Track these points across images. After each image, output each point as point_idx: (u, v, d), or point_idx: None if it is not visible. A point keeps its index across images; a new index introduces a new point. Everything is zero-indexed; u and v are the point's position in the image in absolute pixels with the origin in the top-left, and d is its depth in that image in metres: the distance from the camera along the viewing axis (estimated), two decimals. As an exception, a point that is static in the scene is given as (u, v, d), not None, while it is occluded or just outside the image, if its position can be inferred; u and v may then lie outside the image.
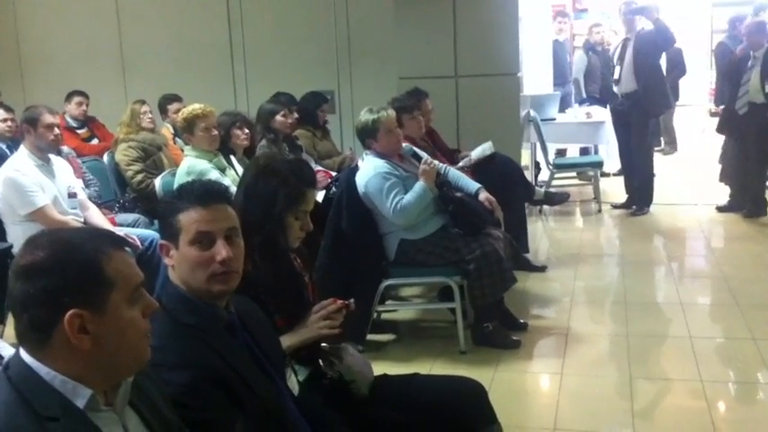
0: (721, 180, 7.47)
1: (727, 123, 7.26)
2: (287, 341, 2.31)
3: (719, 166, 7.55)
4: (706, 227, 6.91)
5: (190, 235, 1.86)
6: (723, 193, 7.30)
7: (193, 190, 1.94)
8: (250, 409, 1.78)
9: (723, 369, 3.99)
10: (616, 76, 7.02)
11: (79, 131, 6.79)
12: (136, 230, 4.70)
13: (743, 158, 7.01)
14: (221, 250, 1.87)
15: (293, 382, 2.25)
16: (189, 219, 1.87)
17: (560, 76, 9.14)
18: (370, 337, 4.27)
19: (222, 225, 1.90)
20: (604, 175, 8.16)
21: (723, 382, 3.80)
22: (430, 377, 2.84)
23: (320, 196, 4.74)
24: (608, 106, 7.45)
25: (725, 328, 4.57)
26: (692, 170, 8.50)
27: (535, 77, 8.54)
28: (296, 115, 5.62)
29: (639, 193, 7.08)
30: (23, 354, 1.36)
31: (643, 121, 7.01)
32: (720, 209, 7.13)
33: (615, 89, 7.09)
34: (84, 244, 1.38)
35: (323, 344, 2.49)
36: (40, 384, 1.33)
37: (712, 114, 10.09)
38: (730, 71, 7.33)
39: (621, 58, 6.97)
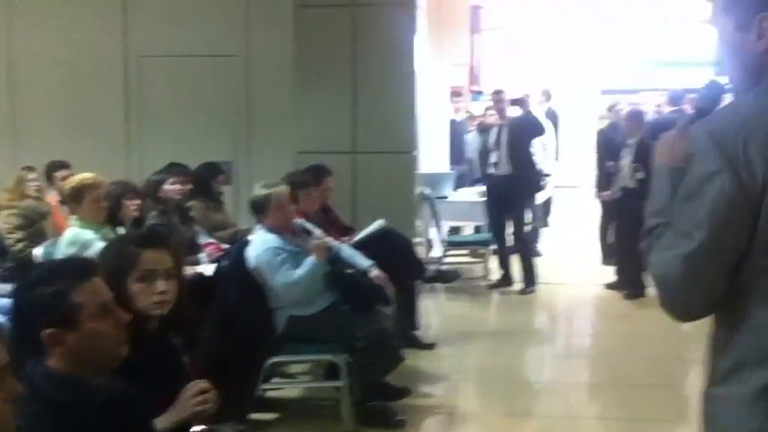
0: (604, 262, 7.79)
1: (604, 206, 7.63)
2: (161, 422, 2.25)
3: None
4: (590, 306, 7.15)
5: (92, 309, 1.87)
6: (609, 272, 7.58)
7: (72, 267, 1.96)
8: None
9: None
10: (493, 159, 7.30)
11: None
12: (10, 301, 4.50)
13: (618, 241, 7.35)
14: (123, 315, 1.96)
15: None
16: (86, 294, 1.87)
17: (457, 155, 9.40)
18: (253, 415, 4.18)
19: (108, 292, 1.95)
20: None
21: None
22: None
23: (210, 269, 4.69)
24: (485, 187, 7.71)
25: (603, 408, 4.71)
26: (579, 250, 8.80)
27: (431, 155, 8.75)
28: (189, 186, 5.57)
29: (524, 273, 7.29)
30: None
31: (520, 202, 7.30)
32: (609, 286, 7.39)
33: (492, 171, 7.35)
34: None
35: (198, 426, 2.44)
36: None
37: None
38: (602, 156, 7.77)
39: (497, 142, 7.27)
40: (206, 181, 5.97)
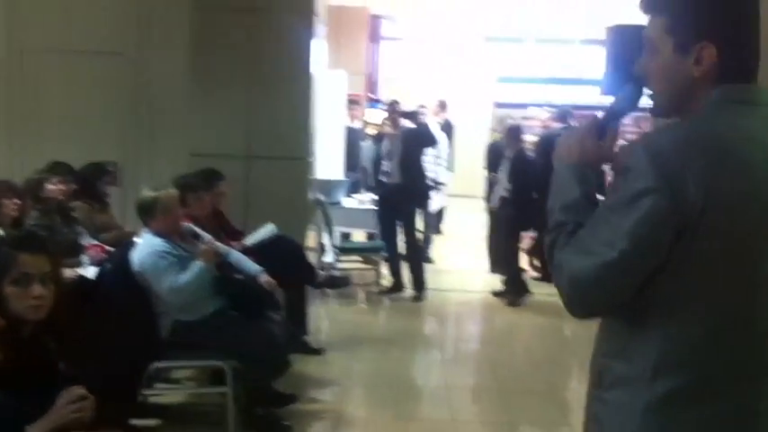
0: (492, 270, 8.00)
1: (491, 216, 7.94)
2: (36, 428, 2.21)
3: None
4: (478, 313, 7.33)
5: None
6: (497, 280, 7.79)
7: None
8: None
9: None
10: (385, 168, 7.41)
11: None
12: None
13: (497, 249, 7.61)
14: None
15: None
16: None
17: (352, 162, 9.46)
18: (135, 421, 4.09)
19: None
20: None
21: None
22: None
23: (93, 272, 4.57)
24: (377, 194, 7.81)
25: (487, 412, 4.83)
26: (469, 258, 8.99)
27: (326, 162, 8.77)
28: (73, 186, 5.41)
29: (415, 280, 7.41)
30: None
31: (411, 211, 7.43)
32: (496, 294, 7.59)
33: (384, 179, 7.45)
34: None
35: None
36: None
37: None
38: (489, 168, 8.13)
39: (390, 152, 7.37)
40: (91, 182, 5.82)
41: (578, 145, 1.64)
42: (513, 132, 7.62)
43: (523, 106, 12.02)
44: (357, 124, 10.08)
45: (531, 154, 7.77)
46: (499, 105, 11.84)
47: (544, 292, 7.77)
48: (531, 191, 7.30)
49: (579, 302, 1.55)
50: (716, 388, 1.47)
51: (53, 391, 2.34)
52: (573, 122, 8.83)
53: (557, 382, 5.42)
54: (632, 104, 1.70)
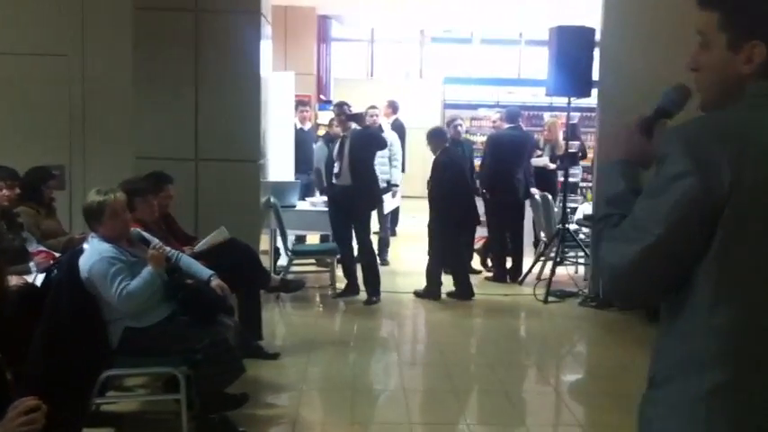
0: (446, 271, 8.02)
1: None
2: (-19, 443, 2.12)
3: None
4: (433, 315, 7.33)
5: None
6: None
7: None
8: None
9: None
10: (336, 169, 7.37)
11: None
12: None
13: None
14: None
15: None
16: None
17: (304, 164, 9.40)
18: (87, 431, 3.99)
19: None
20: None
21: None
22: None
23: (40, 279, 4.45)
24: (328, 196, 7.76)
25: (442, 414, 4.81)
26: (425, 260, 8.99)
27: (277, 164, 8.71)
28: (17, 190, 5.26)
29: (369, 283, 7.38)
30: None
31: (363, 213, 7.41)
32: (450, 294, 7.64)
33: (335, 181, 7.42)
34: None
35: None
36: None
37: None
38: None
39: (340, 153, 7.35)
40: (36, 185, 5.66)
41: (626, 142, 1.72)
42: (437, 134, 7.75)
43: (473, 107, 12.08)
44: (308, 126, 10.03)
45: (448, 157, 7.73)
46: (449, 106, 11.86)
47: (499, 293, 7.83)
48: (451, 191, 7.46)
49: (619, 290, 1.61)
50: (763, 378, 1.47)
51: (1, 402, 2.25)
52: (522, 123, 8.93)
53: (512, 382, 5.44)
54: (680, 103, 1.75)
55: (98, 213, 4.06)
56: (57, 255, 5.07)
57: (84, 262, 3.99)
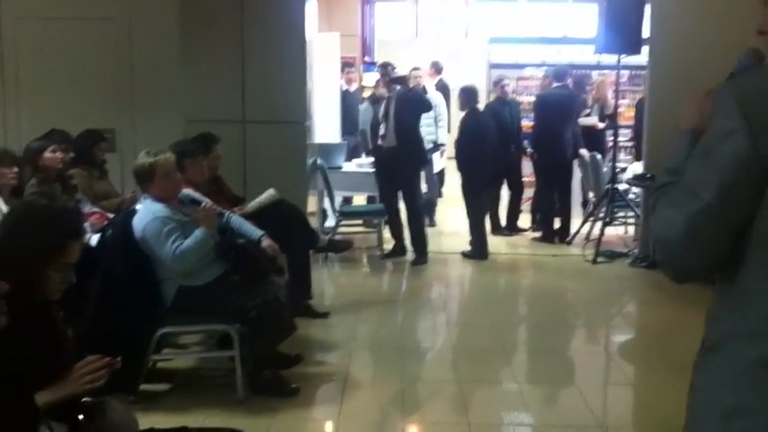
0: (493, 233, 8.04)
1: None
2: (45, 397, 2.17)
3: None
4: (480, 276, 7.32)
5: None
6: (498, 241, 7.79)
7: None
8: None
9: (492, 412, 4.18)
10: (381, 131, 7.35)
11: None
12: None
13: None
14: (1, 285, 1.85)
15: (49, 441, 2.11)
16: None
17: (350, 126, 9.39)
18: (143, 386, 4.08)
19: None
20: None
21: (493, 425, 3.99)
22: (199, 429, 2.77)
23: (95, 239, 4.53)
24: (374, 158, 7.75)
25: (492, 373, 4.83)
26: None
27: (324, 126, 8.71)
28: (71, 154, 5.34)
29: (416, 244, 7.39)
30: None
31: (409, 175, 7.38)
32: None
33: (380, 143, 7.40)
34: None
35: (86, 398, 2.36)
36: None
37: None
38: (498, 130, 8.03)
39: (386, 115, 7.31)
40: (87, 148, 5.75)
41: (696, 111, 1.62)
42: (463, 92, 7.71)
43: (520, 67, 11.90)
44: (353, 87, 9.99)
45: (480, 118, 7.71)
46: (494, 66, 11.69)
47: (548, 253, 7.78)
48: (480, 151, 7.48)
49: (669, 263, 1.50)
50: None
51: (62, 359, 2.31)
52: (570, 82, 8.79)
53: (562, 342, 5.42)
54: (752, 68, 1.68)
55: (149, 174, 4.11)
56: (110, 215, 5.17)
57: (138, 222, 4.05)
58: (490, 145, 7.68)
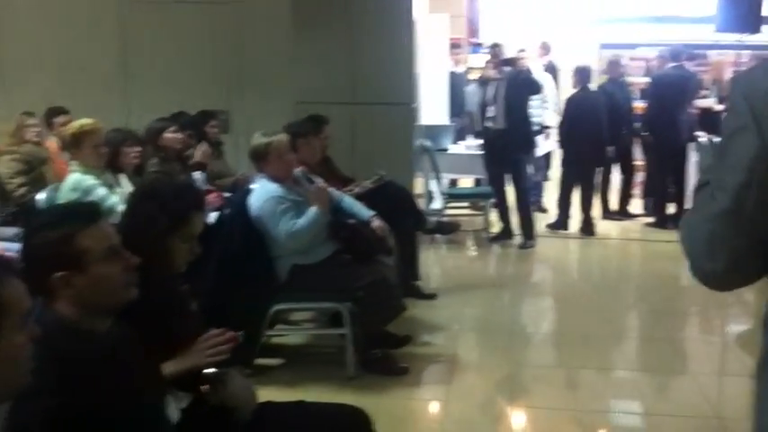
0: (604, 216, 7.86)
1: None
2: (170, 367, 2.25)
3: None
4: (589, 260, 7.18)
5: (100, 252, 1.85)
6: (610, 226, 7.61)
7: (78, 210, 1.93)
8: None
9: (602, 399, 4.11)
10: (490, 113, 7.27)
11: (-44, 141, 6.46)
12: (16, 245, 4.49)
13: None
14: (131, 258, 1.91)
15: (173, 410, 2.19)
16: (93, 238, 1.84)
17: (457, 108, 9.33)
18: (258, 361, 4.21)
19: (116, 236, 1.93)
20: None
21: (602, 412, 3.93)
22: (315, 404, 2.81)
23: (212, 217, 4.67)
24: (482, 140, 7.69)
25: (603, 359, 4.74)
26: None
27: (431, 108, 8.69)
28: (190, 133, 5.53)
29: (524, 227, 7.31)
30: None
31: (517, 157, 7.29)
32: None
33: (489, 124, 7.32)
34: None
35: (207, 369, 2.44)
36: None
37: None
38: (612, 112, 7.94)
39: (495, 97, 7.23)
40: (199, 127, 5.93)
41: None
42: (575, 72, 7.78)
43: (631, 47, 11.53)
44: (461, 69, 9.92)
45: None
46: (605, 46, 11.38)
47: (661, 239, 7.56)
48: (586, 131, 7.53)
49: (697, 269, 1.37)
50: None
51: (188, 331, 2.39)
52: (686, 62, 8.46)
53: (676, 329, 5.26)
54: None
55: (264, 154, 4.21)
56: (225, 194, 5.32)
57: (254, 201, 4.16)
58: (595, 125, 7.60)
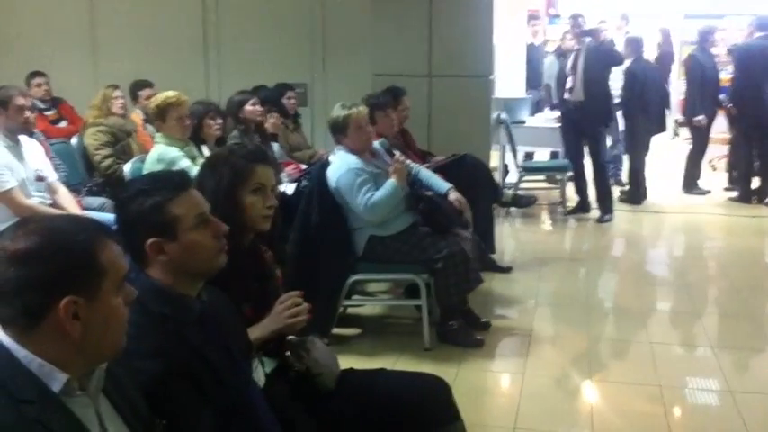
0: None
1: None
2: (255, 333, 2.31)
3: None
4: (669, 235, 7.04)
5: (191, 220, 1.89)
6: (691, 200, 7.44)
7: (168, 179, 1.96)
8: (219, 401, 1.79)
9: (680, 375, 4.05)
10: (569, 85, 7.15)
11: (47, 113, 6.70)
12: (103, 215, 4.66)
13: None
14: (221, 225, 1.95)
15: (259, 374, 2.25)
16: (183, 206, 1.89)
17: (534, 80, 9.22)
18: (335, 330, 4.28)
19: (205, 204, 1.96)
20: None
21: (680, 388, 3.87)
22: (395, 373, 2.87)
23: (291, 189, 4.76)
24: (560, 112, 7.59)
25: (683, 335, 4.66)
26: (658, 178, 8.60)
27: (508, 80, 8.60)
28: (270, 107, 5.61)
29: (601, 201, 7.20)
30: (1, 336, 1.36)
31: (596, 130, 7.16)
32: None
33: (567, 96, 7.21)
34: (79, 232, 1.40)
35: (290, 336, 2.50)
36: (17, 367, 1.34)
37: (680, 124, 10.27)
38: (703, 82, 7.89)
39: (574, 68, 7.10)
40: (277, 99, 6.00)
41: None
42: (632, 44, 7.75)
43: (717, 17, 11.16)
44: (538, 40, 9.77)
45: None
46: (690, 16, 11.06)
47: (744, 214, 7.36)
48: (644, 102, 7.62)
49: None
50: None
51: (270, 297, 2.44)
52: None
53: (759, 306, 5.13)
54: None
55: (343, 127, 4.24)
56: (303, 166, 5.40)
57: (333, 173, 4.20)
58: (650, 96, 7.70)
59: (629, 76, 7.69)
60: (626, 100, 7.75)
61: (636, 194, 7.82)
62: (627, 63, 7.66)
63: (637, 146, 7.80)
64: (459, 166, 5.45)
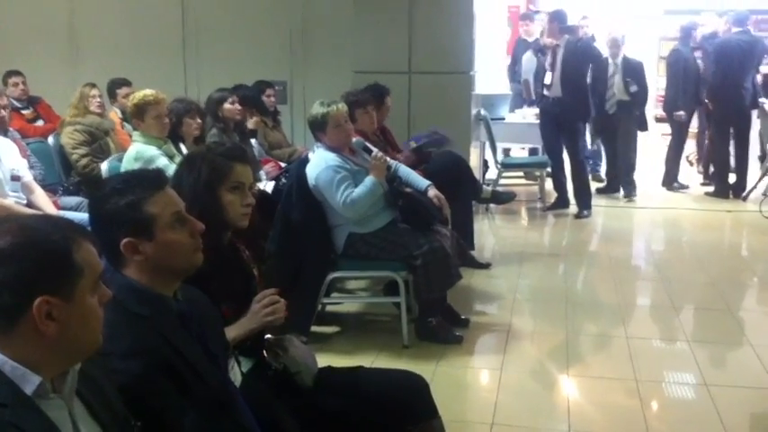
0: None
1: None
2: (232, 332, 2.31)
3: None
4: (646, 230, 7.10)
5: (167, 219, 1.88)
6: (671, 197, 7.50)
7: (144, 178, 1.95)
8: (199, 399, 1.78)
9: (657, 369, 4.10)
10: (547, 81, 7.19)
11: (24, 112, 6.66)
12: (79, 215, 4.63)
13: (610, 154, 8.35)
14: (197, 224, 1.93)
15: (236, 373, 2.26)
16: (159, 205, 1.87)
17: (519, 74, 9.20)
18: (314, 328, 4.29)
19: (181, 203, 1.95)
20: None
21: (656, 382, 3.91)
22: (374, 370, 2.89)
23: (270, 187, 4.75)
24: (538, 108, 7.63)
25: (660, 330, 4.71)
26: (638, 174, 8.66)
27: (487, 76, 8.62)
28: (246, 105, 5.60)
29: (579, 196, 7.25)
30: None
31: (574, 126, 7.21)
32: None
33: (546, 92, 7.24)
34: (53, 232, 1.39)
35: (268, 335, 2.51)
36: None
37: (658, 120, 10.34)
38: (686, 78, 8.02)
39: (552, 64, 7.14)
40: (256, 96, 5.99)
41: None
42: (615, 43, 8.03)
43: (695, 12, 11.24)
44: (532, 38, 9.74)
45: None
46: (669, 12, 11.13)
47: (722, 209, 7.43)
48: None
49: None
50: None
51: (248, 295, 2.45)
52: (751, 28, 8.24)
53: (736, 300, 5.18)
54: None
55: (322, 124, 4.23)
56: (282, 164, 5.39)
57: (312, 170, 4.20)
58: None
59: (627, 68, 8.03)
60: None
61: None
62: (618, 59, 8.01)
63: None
64: (439, 162, 5.46)
